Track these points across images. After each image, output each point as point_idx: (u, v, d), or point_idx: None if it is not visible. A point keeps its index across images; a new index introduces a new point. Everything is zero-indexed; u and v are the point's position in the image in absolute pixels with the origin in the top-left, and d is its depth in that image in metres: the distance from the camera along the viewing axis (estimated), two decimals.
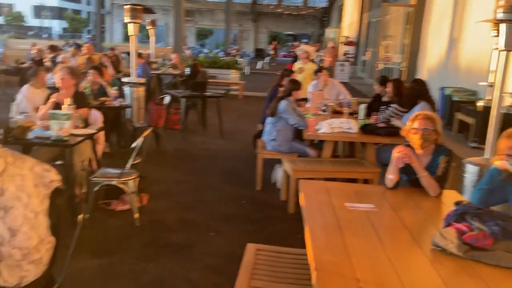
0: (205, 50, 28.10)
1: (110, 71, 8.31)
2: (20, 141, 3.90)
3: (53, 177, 2.21)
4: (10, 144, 3.70)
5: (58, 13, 56.84)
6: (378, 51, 15.32)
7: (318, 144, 5.41)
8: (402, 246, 2.04)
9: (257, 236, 3.96)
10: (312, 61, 8.53)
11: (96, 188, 4.02)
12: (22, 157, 2.15)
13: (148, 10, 7.57)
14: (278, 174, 5.20)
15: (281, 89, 5.63)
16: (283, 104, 5.01)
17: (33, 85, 5.68)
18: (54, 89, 5.36)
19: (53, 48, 11.92)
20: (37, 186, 2.11)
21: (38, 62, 10.70)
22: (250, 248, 2.64)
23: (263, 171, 5.22)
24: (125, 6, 6.90)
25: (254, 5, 42.31)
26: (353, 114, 5.69)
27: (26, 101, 5.46)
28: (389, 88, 5.49)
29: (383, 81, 5.86)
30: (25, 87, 5.71)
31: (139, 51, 9.61)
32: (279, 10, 42.85)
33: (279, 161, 5.13)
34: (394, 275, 1.71)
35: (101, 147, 4.99)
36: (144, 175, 4.45)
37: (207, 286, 3.18)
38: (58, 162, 4.39)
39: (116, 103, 6.14)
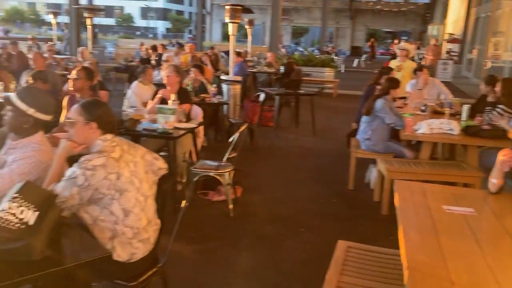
0: (300, 48, 28.16)
1: (210, 69, 8.71)
2: (130, 132, 4.27)
3: (161, 165, 2.43)
4: (121, 135, 4.07)
5: (162, 14, 60.48)
6: (487, 49, 14.25)
7: (415, 145, 5.22)
8: (504, 253, 1.94)
9: (348, 235, 3.93)
10: (412, 59, 8.20)
11: (195, 179, 4.28)
12: (135, 146, 2.39)
13: (247, 10, 7.83)
14: (372, 174, 5.11)
15: (379, 87, 5.51)
16: (379, 103, 4.90)
17: (142, 82, 6.15)
18: (159, 86, 5.78)
19: (155, 48, 12.76)
20: (147, 172, 2.34)
21: (145, 61, 11.52)
22: (341, 245, 2.66)
23: (356, 171, 5.16)
24: (226, 7, 7.20)
25: (352, 2, 41.45)
26: (455, 115, 5.40)
27: (135, 96, 5.93)
28: (498, 87, 5.12)
29: (491, 80, 5.48)
30: (135, 83, 6.20)
31: (237, 49, 9.94)
32: (378, 6, 41.52)
33: (373, 161, 5.04)
34: (494, 282, 1.64)
35: (200, 140, 5.28)
36: (238, 169, 4.64)
37: (297, 278, 3.25)
38: (162, 153, 4.73)
39: (215, 99, 6.44)
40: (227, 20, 7.23)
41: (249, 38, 13.39)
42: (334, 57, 19.68)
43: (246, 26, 12.92)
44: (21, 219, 1.71)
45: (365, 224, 4.25)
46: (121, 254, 2.17)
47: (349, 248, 2.60)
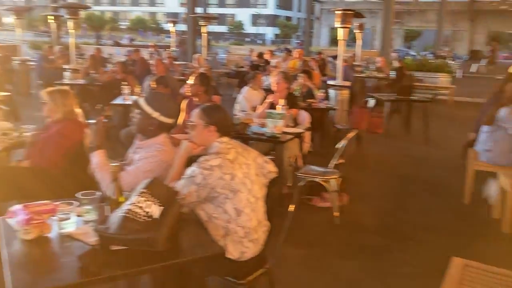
0: (412, 52, 26.89)
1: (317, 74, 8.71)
2: (240, 135, 4.42)
3: (271, 169, 2.50)
4: (232, 138, 4.24)
5: (272, 20, 61.78)
6: None
7: None
8: None
9: (462, 252, 3.64)
10: None
11: (301, 184, 4.30)
12: (248, 149, 2.48)
13: (358, 15, 7.68)
14: (492, 189, 4.70)
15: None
16: (504, 112, 4.50)
17: (252, 87, 6.35)
18: (267, 91, 5.91)
19: (261, 55, 13.11)
20: (258, 175, 2.42)
21: (255, 67, 11.86)
22: (457, 262, 2.48)
23: (473, 184, 4.79)
24: (336, 12, 7.15)
25: (472, 3, 38.58)
26: None
27: (245, 101, 6.14)
28: None
29: None
30: (245, 89, 6.43)
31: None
32: (503, 6, 38.10)
33: (493, 174, 4.65)
34: None
35: (306, 145, 5.30)
36: (345, 176, 4.57)
37: None
38: (268, 157, 4.83)
39: (322, 105, 6.42)
40: (337, 25, 7.17)
41: (359, 42, 13.11)
42: (450, 62, 18.50)
43: (356, 31, 12.67)
44: (147, 212, 1.87)
45: (483, 242, 3.93)
46: (232, 252, 2.26)
47: (466, 267, 2.42)
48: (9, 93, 6.45)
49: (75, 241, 1.92)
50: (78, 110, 3.47)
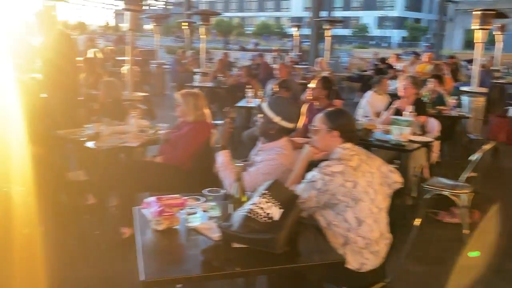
0: None
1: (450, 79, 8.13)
2: (362, 141, 4.28)
3: (397, 179, 2.36)
4: (356, 144, 4.12)
5: (399, 22, 59.27)
6: None
7: None
8: None
9: None
10: None
11: (427, 196, 4.03)
12: (372, 156, 2.38)
13: (500, 15, 6.97)
14: None
15: None
16: None
17: (376, 92, 6.14)
18: (393, 96, 5.65)
19: (384, 60, 12.58)
20: (381, 184, 2.30)
21: (379, 71, 11.45)
22: None
23: None
24: (474, 12, 6.58)
25: None
26: None
27: (369, 106, 5.95)
28: None
29: None
30: (369, 93, 6.23)
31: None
32: None
33: None
34: None
35: (435, 155, 4.97)
36: (478, 191, 4.17)
37: None
38: (392, 166, 4.60)
39: (454, 112, 5.97)
40: (474, 26, 6.60)
41: (499, 45, 11.91)
42: None
43: (496, 32, 11.54)
44: (268, 214, 1.89)
45: None
46: (351, 262, 2.18)
47: None
48: (146, 94, 7.04)
49: (200, 235, 2.01)
50: (207, 111, 3.67)
